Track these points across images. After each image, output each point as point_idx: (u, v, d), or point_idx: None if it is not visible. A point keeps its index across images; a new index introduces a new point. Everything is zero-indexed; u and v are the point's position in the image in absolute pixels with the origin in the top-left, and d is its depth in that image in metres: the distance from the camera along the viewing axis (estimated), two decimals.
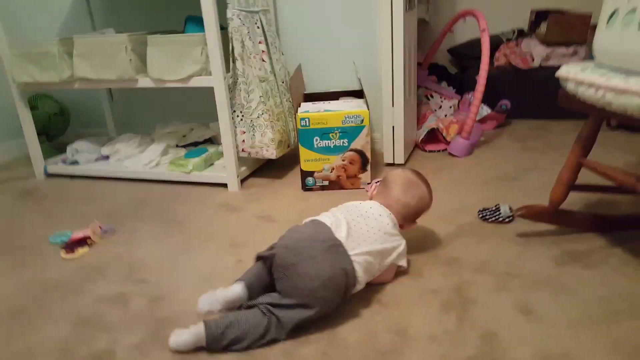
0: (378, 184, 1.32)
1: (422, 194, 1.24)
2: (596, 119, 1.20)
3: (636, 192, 1.09)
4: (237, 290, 1.06)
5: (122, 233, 1.57)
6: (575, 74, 1.12)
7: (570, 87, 1.15)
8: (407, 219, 1.24)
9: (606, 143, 2.05)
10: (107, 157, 2.17)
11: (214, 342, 0.99)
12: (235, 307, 1.07)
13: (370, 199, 1.28)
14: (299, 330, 1.02)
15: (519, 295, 1.10)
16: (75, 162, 2.14)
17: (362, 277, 1.08)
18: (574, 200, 1.48)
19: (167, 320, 1.11)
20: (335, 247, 1.06)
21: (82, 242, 1.50)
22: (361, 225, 1.13)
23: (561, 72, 1.18)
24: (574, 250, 1.27)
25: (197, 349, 1.00)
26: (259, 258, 1.12)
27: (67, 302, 1.22)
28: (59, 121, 2.51)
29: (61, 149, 2.28)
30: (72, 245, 1.48)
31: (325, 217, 1.15)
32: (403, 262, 1.19)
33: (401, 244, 1.18)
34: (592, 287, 1.11)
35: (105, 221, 1.62)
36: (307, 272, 1.02)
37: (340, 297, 1.05)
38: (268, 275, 1.09)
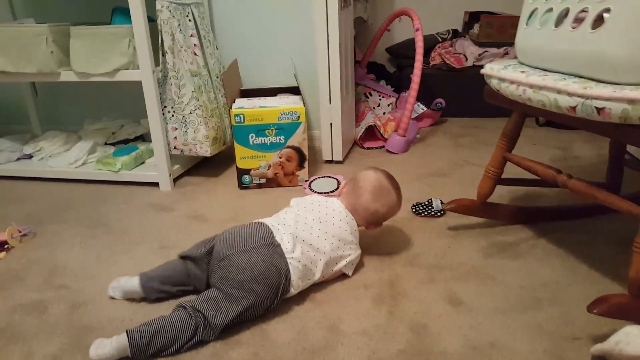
0: (347, 182, 1.27)
1: (392, 202, 1.21)
2: (519, 114, 1.24)
3: (557, 184, 1.13)
4: (134, 283, 1.11)
5: (43, 236, 1.48)
6: (498, 72, 1.16)
7: (493, 83, 1.18)
8: (372, 224, 1.23)
9: (534, 139, 2.15)
10: (30, 156, 2.03)
11: (139, 353, 0.93)
12: (133, 298, 1.12)
13: (339, 196, 1.25)
14: (229, 330, 1.00)
15: (448, 287, 1.13)
16: None
17: (296, 282, 1.06)
18: (502, 194, 1.54)
19: (89, 328, 1.05)
20: (273, 247, 1.05)
21: None
22: (315, 229, 1.11)
23: (485, 70, 1.21)
24: (501, 242, 1.31)
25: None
26: (184, 257, 1.12)
27: None
28: None
29: None
30: None
31: (270, 220, 1.13)
32: (349, 271, 1.17)
33: (352, 254, 1.16)
34: (517, 277, 1.15)
35: (25, 224, 1.52)
36: (238, 264, 1.01)
37: (272, 297, 1.03)
38: (184, 274, 1.10)
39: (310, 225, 1.11)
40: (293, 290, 1.06)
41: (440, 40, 2.74)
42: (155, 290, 1.10)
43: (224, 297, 0.99)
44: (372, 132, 2.20)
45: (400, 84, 2.64)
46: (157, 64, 1.67)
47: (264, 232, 1.08)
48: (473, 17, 2.69)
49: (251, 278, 1.00)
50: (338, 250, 1.12)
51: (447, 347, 0.94)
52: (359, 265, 1.22)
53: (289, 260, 1.04)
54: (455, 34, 2.79)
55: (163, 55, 1.67)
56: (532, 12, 1.14)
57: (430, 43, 2.68)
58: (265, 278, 1.01)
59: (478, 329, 0.98)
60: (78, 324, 1.07)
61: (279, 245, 1.05)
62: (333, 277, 1.16)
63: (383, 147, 2.16)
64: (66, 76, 1.72)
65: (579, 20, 1.00)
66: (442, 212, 1.46)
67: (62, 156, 1.96)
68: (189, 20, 1.77)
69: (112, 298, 1.14)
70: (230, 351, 0.96)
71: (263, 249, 1.04)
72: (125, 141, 2.10)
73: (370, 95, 2.49)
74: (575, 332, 0.96)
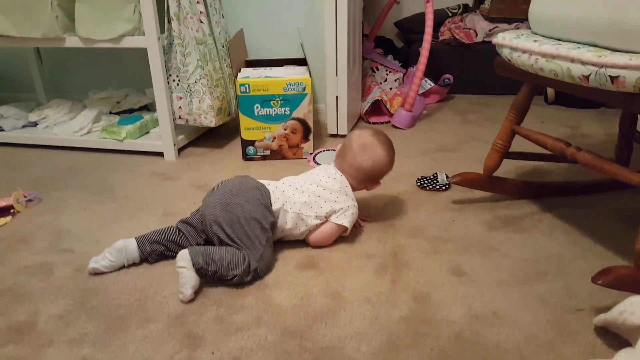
0: (339, 146, 1.29)
1: (377, 157, 1.21)
2: (529, 86, 1.22)
3: (565, 157, 1.12)
4: (128, 241, 1.11)
5: (48, 202, 1.48)
6: (510, 41, 1.14)
7: (505, 53, 1.16)
8: (364, 182, 1.23)
9: (543, 117, 2.13)
10: (35, 124, 2.03)
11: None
12: (124, 260, 1.11)
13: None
14: (233, 295, 1.01)
15: (452, 258, 1.13)
16: None
17: (277, 205, 1.12)
18: (508, 168, 1.53)
19: (93, 290, 1.06)
20: (257, 189, 1.13)
21: (5, 211, 1.40)
22: (301, 181, 1.20)
23: (497, 39, 1.19)
24: (505, 216, 1.30)
25: None
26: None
27: None
28: None
29: None
30: None
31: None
32: (344, 222, 1.16)
33: (344, 205, 1.17)
34: (521, 250, 1.15)
35: (31, 190, 1.52)
36: (234, 205, 1.08)
37: (265, 222, 1.09)
38: (176, 231, 1.14)
39: (297, 180, 1.20)
40: (271, 218, 1.11)
41: (450, 14, 2.70)
42: (147, 241, 1.11)
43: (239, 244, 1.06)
44: (378, 107, 2.18)
45: (407, 59, 2.61)
46: (162, 30, 1.65)
47: (249, 180, 1.16)
48: None
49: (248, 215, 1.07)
50: (324, 196, 1.16)
51: (449, 315, 0.94)
52: (362, 235, 1.23)
53: (270, 188, 1.14)
54: (466, 9, 2.74)
55: (169, 22, 1.65)
56: None
57: (440, 17, 2.64)
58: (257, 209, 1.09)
59: (481, 299, 0.99)
60: (83, 286, 1.07)
61: (262, 185, 1.15)
62: (330, 232, 1.17)
63: (389, 122, 2.14)
64: (71, 42, 1.70)
65: None
66: (447, 185, 1.46)
67: (67, 124, 1.96)
68: None
69: (96, 272, 1.11)
70: (234, 315, 0.96)
71: (249, 191, 1.11)
72: (130, 110, 2.08)
73: (377, 69, 2.46)
74: (578, 303, 0.96)
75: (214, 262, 1.01)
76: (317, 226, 1.16)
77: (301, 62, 1.91)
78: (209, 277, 1.03)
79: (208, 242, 1.13)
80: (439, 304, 0.97)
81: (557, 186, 1.44)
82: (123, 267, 1.12)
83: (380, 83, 2.40)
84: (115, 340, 0.91)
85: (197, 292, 1.02)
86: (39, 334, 0.94)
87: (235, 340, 0.90)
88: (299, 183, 1.19)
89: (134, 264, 1.12)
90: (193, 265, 1.00)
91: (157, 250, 1.12)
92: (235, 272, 1.02)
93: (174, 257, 1.07)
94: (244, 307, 0.99)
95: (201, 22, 1.74)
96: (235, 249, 1.05)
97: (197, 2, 1.73)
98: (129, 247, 1.11)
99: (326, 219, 1.17)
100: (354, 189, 1.21)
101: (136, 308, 1.00)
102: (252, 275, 1.04)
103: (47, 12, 1.65)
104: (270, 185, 1.17)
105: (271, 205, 1.12)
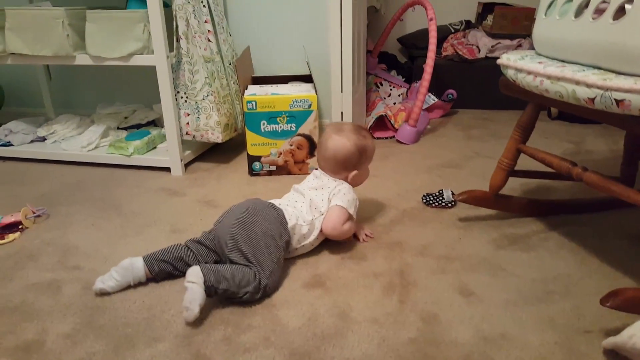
0: None
1: (335, 145, 1.25)
2: (535, 105, 1.23)
3: (571, 177, 1.13)
4: (135, 260, 1.11)
5: (56, 218, 1.49)
6: (515, 62, 1.15)
7: (510, 74, 1.17)
8: (337, 171, 1.27)
9: (547, 132, 2.14)
10: (43, 139, 2.05)
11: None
12: (134, 281, 1.11)
13: None
14: (240, 314, 1.01)
15: (459, 278, 1.13)
16: (7, 144, 2.01)
17: (291, 222, 1.17)
18: (514, 186, 1.53)
19: (101, 309, 1.06)
20: (271, 207, 1.18)
21: (13, 227, 1.41)
22: (300, 194, 1.27)
23: (502, 60, 1.20)
24: (512, 234, 1.31)
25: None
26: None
27: None
28: None
29: None
30: (1, 231, 1.39)
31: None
32: (338, 202, 1.21)
33: (332, 191, 1.23)
34: (529, 270, 1.15)
35: (39, 205, 1.53)
36: (251, 224, 1.11)
37: (280, 240, 1.12)
38: (184, 249, 1.15)
39: (295, 195, 1.28)
40: (290, 223, 1.16)
41: (452, 31, 2.73)
42: (155, 260, 1.12)
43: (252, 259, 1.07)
44: (382, 122, 2.19)
45: (411, 75, 2.63)
46: (171, 49, 1.67)
47: (262, 200, 1.21)
48: (486, 9, 2.67)
49: (263, 233, 1.10)
50: (317, 188, 1.24)
51: (457, 336, 0.94)
52: (368, 253, 1.23)
53: (282, 207, 1.19)
54: (468, 25, 2.77)
55: (177, 40, 1.67)
56: (551, 3, 1.12)
57: (443, 34, 2.67)
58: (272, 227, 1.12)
59: (489, 320, 0.99)
60: (91, 304, 1.08)
61: (275, 205, 1.19)
62: (336, 218, 1.20)
63: (393, 137, 2.15)
64: (81, 60, 1.72)
65: (599, 11, 0.98)
66: (453, 203, 1.46)
67: (75, 139, 1.98)
68: (204, 6, 1.77)
69: (103, 293, 1.10)
70: (242, 335, 0.97)
71: (266, 210, 1.15)
72: (137, 126, 2.10)
73: (381, 85, 2.48)
74: (587, 325, 0.96)
75: (225, 280, 1.01)
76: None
77: (307, 78, 1.93)
78: (216, 296, 1.03)
79: (217, 262, 1.14)
80: (447, 325, 0.98)
81: (563, 204, 1.45)
82: (129, 286, 1.12)
83: (384, 98, 2.42)
84: None
85: (203, 312, 1.01)
86: (46, 353, 0.94)
87: None
88: (297, 195, 1.26)
89: (140, 283, 1.13)
90: (204, 282, 1.00)
91: (165, 270, 1.12)
92: (247, 289, 1.03)
93: (180, 276, 1.07)
94: (251, 327, 0.99)
95: (209, 40, 1.76)
96: (246, 266, 1.06)
97: (205, 22, 1.76)
98: (136, 265, 1.11)
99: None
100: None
101: (144, 327, 1.00)
102: (262, 293, 1.05)
103: (58, 31, 1.67)
104: (281, 204, 1.19)
105: (287, 224, 1.15)
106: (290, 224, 1.16)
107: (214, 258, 1.15)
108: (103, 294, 1.10)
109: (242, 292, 1.02)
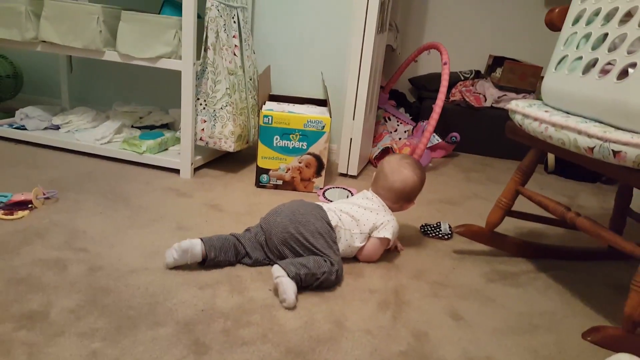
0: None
1: (405, 178, 1.34)
2: (537, 151, 1.31)
3: (565, 221, 1.20)
4: (195, 242, 1.19)
5: (65, 202, 1.53)
6: (523, 108, 1.23)
7: (517, 119, 1.25)
8: (398, 201, 1.36)
9: (542, 184, 2.22)
10: (57, 127, 2.10)
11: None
12: (188, 259, 1.18)
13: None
14: (241, 310, 1.05)
15: (450, 303, 1.18)
16: (22, 127, 2.06)
17: (334, 221, 1.26)
18: (509, 227, 1.60)
19: (106, 290, 1.10)
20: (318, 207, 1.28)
21: (23, 205, 1.45)
22: (345, 205, 1.33)
23: (511, 105, 1.29)
24: (503, 270, 1.37)
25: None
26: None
27: (2, 260, 1.17)
28: (10, 84, 2.41)
29: (8, 113, 2.19)
30: (11, 207, 1.42)
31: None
32: (386, 234, 1.30)
33: (382, 220, 1.31)
34: (517, 303, 1.21)
35: (49, 188, 1.57)
36: (305, 223, 1.22)
37: (329, 237, 1.23)
38: (234, 242, 1.23)
39: (339, 204, 1.35)
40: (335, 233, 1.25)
41: (462, 78, 2.84)
42: (214, 247, 1.20)
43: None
44: (387, 154, 2.27)
45: (418, 114, 2.73)
46: (198, 57, 1.75)
47: (307, 201, 1.30)
48: (497, 61, 2.80)
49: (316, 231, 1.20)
50: (364, 214, 1.30)
51: (445, 355, 0.99)
52: (366, 272, 1.28)
53: (328, 213, 1.27)
54: (478, 75, 2.89)
55: (205, 50, 1.76)
56: (562, 59, 1.22)
57: (453, 80, 2.78)
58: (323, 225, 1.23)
59: (476, 344, 1.04)
60: (96, 285, 1.11)
61: (319, 205, 1.29)
62: (375, 248, 1.31)
63: None
64: (110, 56, 1.80)
65: (604, 71, 1.07)
66: (449, 235, 1.52)
67: (89, 132, 2.03)
68: (234, 22, 1.86)
69: (169, 266, 1.20)
70: (241, 329, 1.00)
71: (315, 209, 1.26)
72: (151, 127, 2.17)
73: (389, 119, 2.58)
74: (567, 359, 1.01)
75: (303, 266, 1.12)
76: (362, 246, 1.30)
77: (321, 102, 2.01)
78: (303, 283, 1.13)
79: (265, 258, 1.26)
80: (436, 344, 1.02)
81: (555, 249, 1.51)
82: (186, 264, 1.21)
83: (391, 132, 2.51)
84: (125, 339, 0.95)
85: (205, 306, 1.06)
86: (50, 323, 0.97)
87: (240, 353, 0.94)
88: (342, 205, 1.33)
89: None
90: (287, 274, 1.10)
91: (218, 260, 1.21)
92: (323, 269, 1.14)
93: (227, 265, 1.23)
94: (250, 323, 1.03)
95: (234, 54, 1.85)
96: (314, 255, 1.18)
97: (234, 37, 1.85)
98: (195, 249, 1.19)
99: (369, 235, 1.30)
100: (390, 209, 1.35)
101: (147, 311, 1.03)
102: (335, 276, 1.16)
103: (92, 26, 1.75)
104: (324, 205, 1.30)
105: (331, 222, 1.25)
106: (333, 223, 1.25)
107: (262, 254, 1.24)
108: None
109: (319, 273, 1.13)
